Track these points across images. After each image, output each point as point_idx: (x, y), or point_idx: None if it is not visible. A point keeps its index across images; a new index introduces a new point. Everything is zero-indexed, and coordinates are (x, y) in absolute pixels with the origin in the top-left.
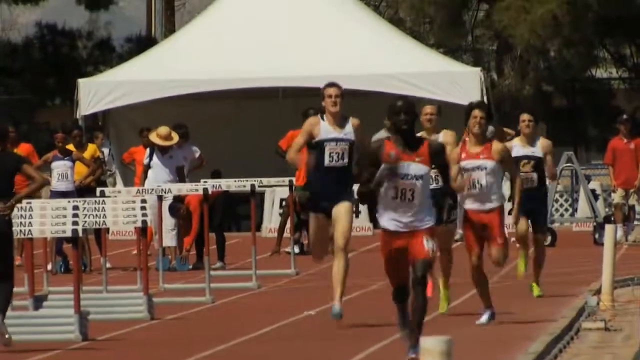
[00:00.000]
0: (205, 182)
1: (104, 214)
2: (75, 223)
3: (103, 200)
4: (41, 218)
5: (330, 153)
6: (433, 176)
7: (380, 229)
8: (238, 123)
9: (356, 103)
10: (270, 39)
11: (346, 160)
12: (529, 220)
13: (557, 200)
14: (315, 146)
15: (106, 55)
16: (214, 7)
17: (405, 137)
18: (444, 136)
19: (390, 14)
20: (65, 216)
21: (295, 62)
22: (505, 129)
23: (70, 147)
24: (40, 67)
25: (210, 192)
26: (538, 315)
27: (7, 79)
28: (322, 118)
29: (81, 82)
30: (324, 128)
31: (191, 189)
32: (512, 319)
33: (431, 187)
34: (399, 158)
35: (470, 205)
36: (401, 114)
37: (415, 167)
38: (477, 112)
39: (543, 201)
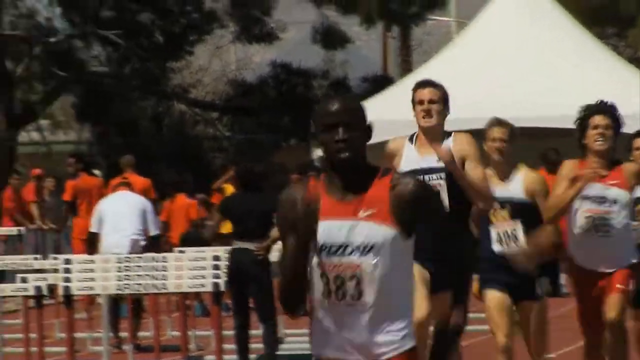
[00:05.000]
0: None
1: None
2: None
3: None
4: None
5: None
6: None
7: None
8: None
9: None
10: (506, 79)
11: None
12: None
13: None
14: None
15: (342, 94)
16: (450, 47)
17: (344, 174)
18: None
19: (630, 53)
20: None
21: (531, 102)
22: None
23: None
24: (275, 106)
25: None
26: None
27: (242, 118)
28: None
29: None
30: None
31: None
32: None
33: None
34: (323, 215)
35: (586, 261)
36: (338, 130)
37: (360, 231)
38: (598, 120)
39: None
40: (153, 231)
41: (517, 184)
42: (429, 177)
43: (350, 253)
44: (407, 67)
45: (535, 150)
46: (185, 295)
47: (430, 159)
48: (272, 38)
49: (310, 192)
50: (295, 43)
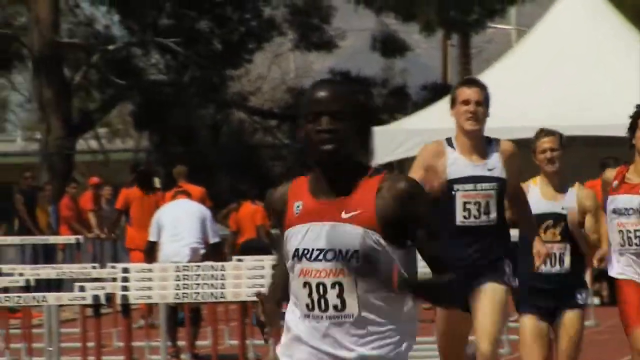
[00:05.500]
0: None
1: None
2: None
3: None
4: None
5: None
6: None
7: None
8: (534, 173)
9: None
10: (566, 87)
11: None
12: None
13: None
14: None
15: (402, 102)
16: (510, 55)
17: (328, 169)
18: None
19: None
20: None
21: (592, 110)
22: None
23: None
24: None
25: None
26: None
27: None
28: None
29: (377, 130)
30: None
31: None
32: None
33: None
34: (304, 217)
35: (632, 272)
36: (321, 119)
37: (341, 235)
38: None
39: None
40: (212, 239)
41: (572, 199)
42: (481, 186)
43: (332, 258)
44: (466, 75)
45: (596, 158)
46: (243, 304)
47: (482, 167)
48: (331, 46)
49: (288, 192)
50: (355, 51)
